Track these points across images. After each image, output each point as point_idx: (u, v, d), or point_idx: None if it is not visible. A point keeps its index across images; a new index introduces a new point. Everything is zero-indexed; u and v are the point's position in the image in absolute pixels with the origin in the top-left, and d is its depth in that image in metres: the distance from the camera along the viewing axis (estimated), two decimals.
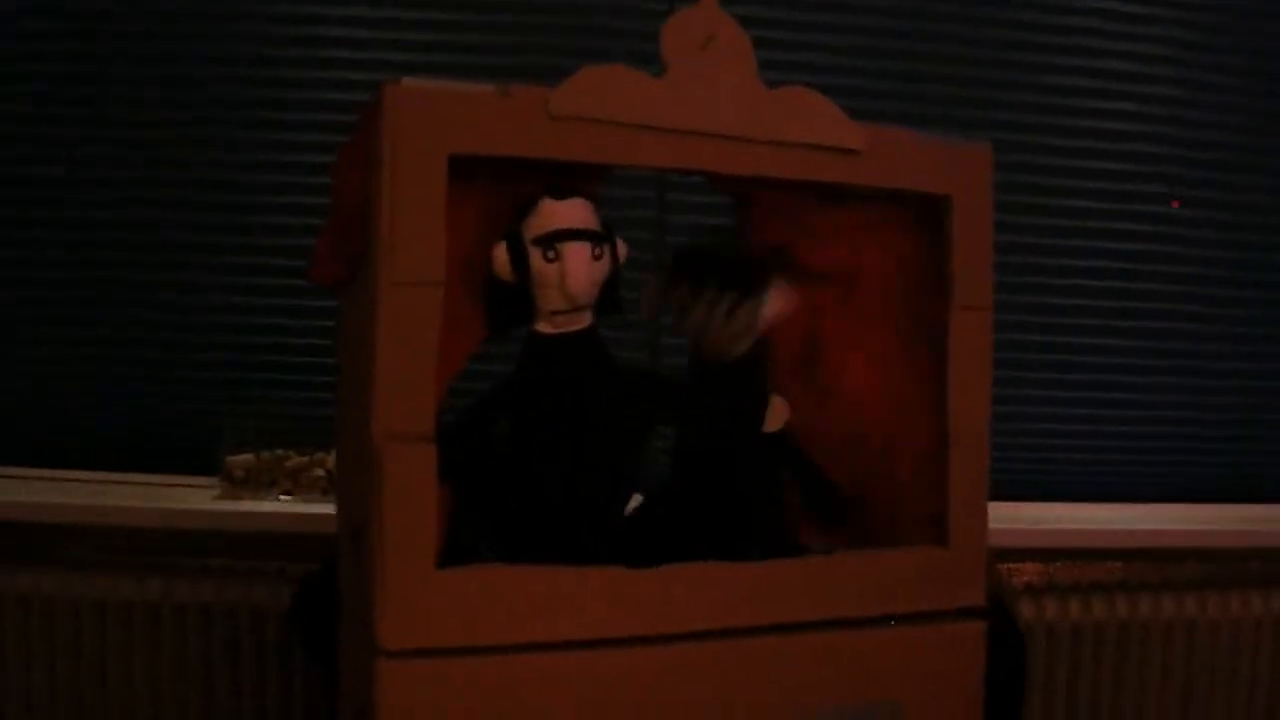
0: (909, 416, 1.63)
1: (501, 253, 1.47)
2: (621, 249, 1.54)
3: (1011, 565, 2.43)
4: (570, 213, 1.49)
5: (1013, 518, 2.46)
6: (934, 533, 1.59)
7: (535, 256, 1.47)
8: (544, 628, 1.39)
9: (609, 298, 1.54)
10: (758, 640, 1.48)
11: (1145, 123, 2.60)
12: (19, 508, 2.28)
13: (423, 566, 1.33)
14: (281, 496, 2.31)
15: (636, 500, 1.62)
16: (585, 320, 1.53)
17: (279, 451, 2.35)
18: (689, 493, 1.62)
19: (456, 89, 1.34)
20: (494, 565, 1.39)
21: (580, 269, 1.49)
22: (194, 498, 2.34)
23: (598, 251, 1.49)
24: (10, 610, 2.25)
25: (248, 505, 2.28)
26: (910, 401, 1.62)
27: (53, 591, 2.23)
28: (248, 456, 2.33)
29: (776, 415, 1.61)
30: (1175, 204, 2.63)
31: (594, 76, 1.39)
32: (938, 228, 1.57)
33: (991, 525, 2.26)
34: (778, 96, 1.47)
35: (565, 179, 1.48)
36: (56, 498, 2.31)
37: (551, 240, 1.47)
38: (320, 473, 2.31)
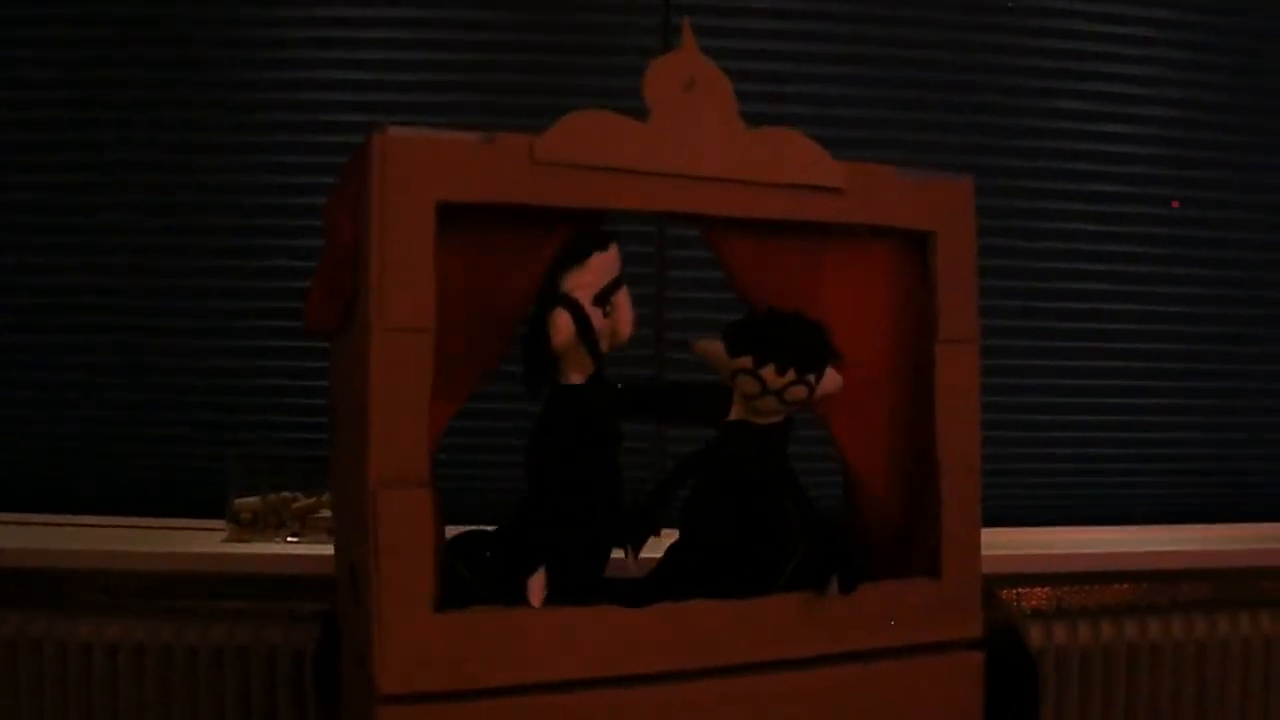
0: (897, 450, 1.64)
1: (566, 321, 1.45)
2: None
3: (1020, 590, 2.43)
4: (615, 262, 1.51)
5: (1020, 543, 2.45)
6: (926, 565, 1.60)
7: (595, 315, 1.48)
8: (542, 668, 1.40)
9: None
10: (752, 678, 1.50)
11: (1139, 144, 2.60)
12: (29, 554, 2.27)
13: (419, 610, 1.35)
14: (289, 539, 2.32)
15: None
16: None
17: (285, 494, 2.36)
18: (703, 538, 1.62)
19: (443, 137, 1.36)
20: (491, 608, 1.41)
21: (630, 316, 1.53)
22: (202, 541, 2.33)
23: None
24: (23, 656, 2.23)
25: (255, 548, 2.29)
26: (899, 435, 1.63)
27: (64, 637, 2.22)
28: (254, 499, 2.34)
29: None
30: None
31: (578, 122, 1.42)
32: (922, 263, 1.59)
33: (998, 551, 2.29)
34: (759, 137, 1.50)
35: (593, 224, 1.50)
36: (66, 544, 2.30)
37: (609, 295, 1.50)
38: (327, 514, 2.31)
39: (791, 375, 1.51)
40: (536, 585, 1.47)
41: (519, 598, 1.47)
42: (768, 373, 1.52)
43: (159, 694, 2.24)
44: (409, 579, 1.34)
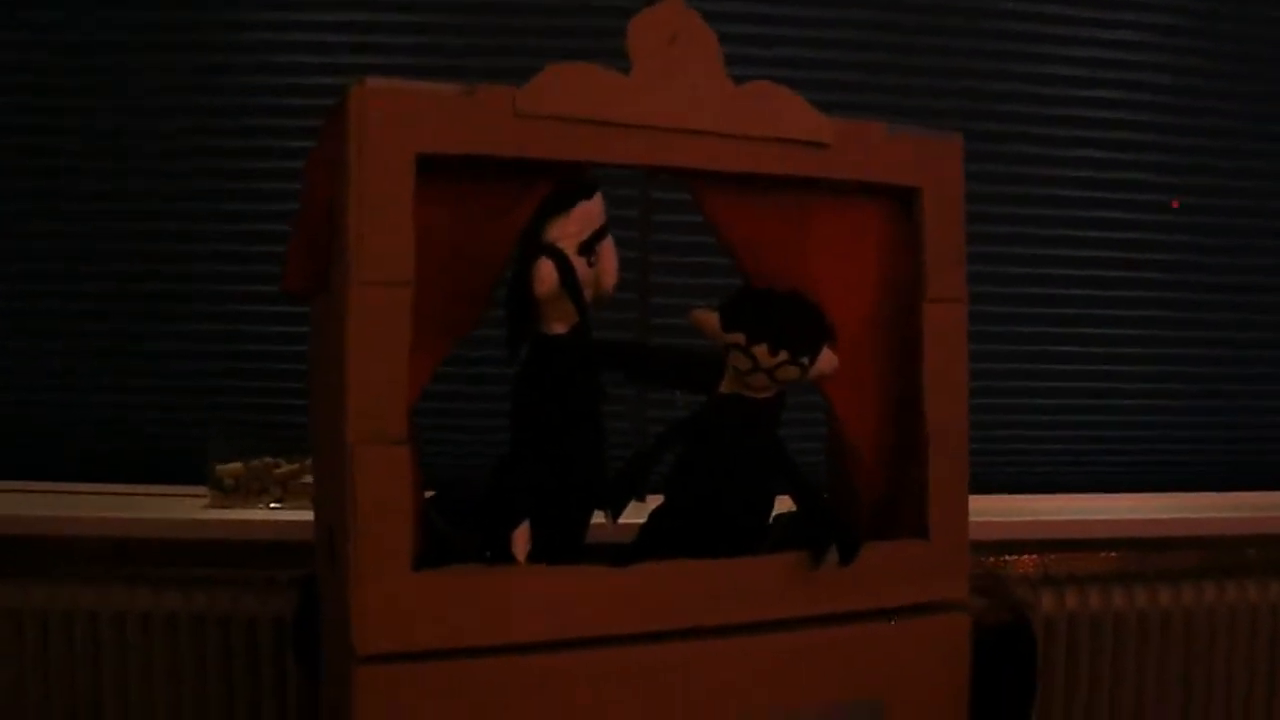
0: (887, 410, 1.62)
1: (549, 270, 1.42)
2: None
3: (1007, 558, 2.42)
4: (600, 211, 1.49)
5: (1007, 510, 2.44)
6: (914, 527, 1.58)
7: (580, 265, 1.46)
8: (522, 628, 1.38)
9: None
10: (736, 639, 1.48)
11: (1135, 110, 2.58)
12: (9, 521, 2.26)
13: (397, 569, 1.33)
14: (271, 505, 2.30)
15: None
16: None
17: (268, 459, 2.34)
18: (688, 508, 1.60)
19: (422, 88, 1.34)
20: (472, 566, 1.39)
21: (615, 266, 1.51)
22: (184, 507, 2.32)
23: None
24: (2, 624, 2.23)
25: (238, 514, 2.27)
26: (888, 395, 1.62)
27: (45, 604, 2.21)
28: (236, 465, 2.32)
29: None
30: (1175, 204, 2.61)
31: (561, 74, 1.39)
32: (910, 222, 1.57)
33: (986, 518, 2.29)
34: (745, 91, 1.47)
35: (578, 173, 1.47)
36: (46, 510, 2.29)
37: (593, 244, 1.47)
38: (309, 480, 2.29)
39: (784, 356, 1.49)
40: (521, 538, 1.45)
41: (502, 554, 1.45)
42: (760, 351, 1.49)
43: (141, 661, 2.23)
44: (387, 537, 1.32)
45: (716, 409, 1.58)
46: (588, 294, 1.48)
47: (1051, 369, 2.62)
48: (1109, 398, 2.64)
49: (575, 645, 1.40)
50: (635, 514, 1.60)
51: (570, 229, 1.45)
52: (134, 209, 2.42)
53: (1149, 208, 2.63)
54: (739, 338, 1.50)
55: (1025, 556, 2.45)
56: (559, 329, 1.50)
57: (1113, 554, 2.48)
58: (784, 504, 1.60)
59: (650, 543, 1.60)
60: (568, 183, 1.46)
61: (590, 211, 1.47)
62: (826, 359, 1.52)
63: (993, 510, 2.42)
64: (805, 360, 1.50)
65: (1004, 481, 2.58)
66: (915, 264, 1.57)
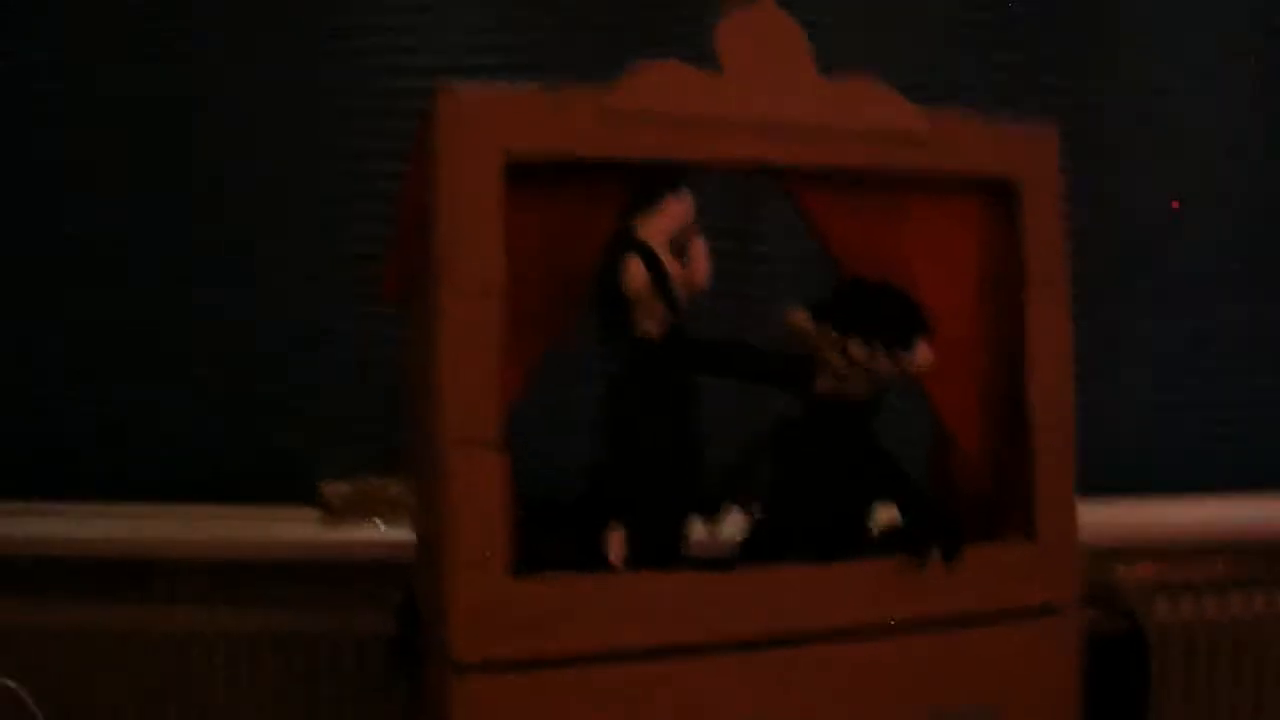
0: (990, 407, 1.59)
1: (639, 267, 1.40)
2: None
3: (1122, 566, 2.36)
4: (689, 207, 1.46)
5: (1119, 516, 2.38)
6: (1020, 527, 1.54)
7: (670, 263, 1.43)
8: (623, 635, 1.36)
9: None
10: (840, 645, 1.44)
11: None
12: (120, 544, 2.27)
13: (494, 574, 1.31)
14: (380, 525, 2.30)
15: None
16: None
17: (375, 479, 2.34)
18: (788, 516, 1.57)
19: (508, 91, 1.33)
20: (570, 573, 1.37)
21: (706, 264, 1.47)
22: (292, 528, 2.32)
23: None
24: (112, 648, 2.24)
25: (346, 534, 2.27)
26: (989, 394, 1.58)
27: (152, 626, 2.24)
28: (344, 485, 2.32)
29: None
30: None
31: (649, 73, 1.38)
32: (1007, 215, 1.55)
33: (1099, 523, 2.22)
34: (838, 86, 1.45)
35: (670, 173, 1.45)
36: (157, 533, 2.31)
37: (683, 241, 1.45)
38: None
39: (879, 349, 1.46)
40: (616, 542, 1.43)
41: (596, 560, 1.43)
42: (853, 346, 1.47)
43: (249, 682, 2.25)
44: (482, 542, 1.31)
45: (811, 411, 1.56)
46: (680, 294, 1.46)
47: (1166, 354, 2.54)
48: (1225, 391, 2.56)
49: (677, 652, 1.37)
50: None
51: (660, 225, 1.43)
52: (229, 215, 2.44)
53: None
54: (830, 333, 1.48)
55: (1140, 564, 2.38)
56: (652, 330, 1.48)
57: (1229, 558, 2.41)
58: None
59: (752, 553, 1.57)
60: (656, 180, 1.44)
61: (679, 209, 1.45)
62: (923, 352, 1.48)
63: (1104, 516, 2.34)
64: (901, 353, 1.47)
65: (1115, 484, 2.51)
66: (1015, 256, 1.54)
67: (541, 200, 1.39)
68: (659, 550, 1.47)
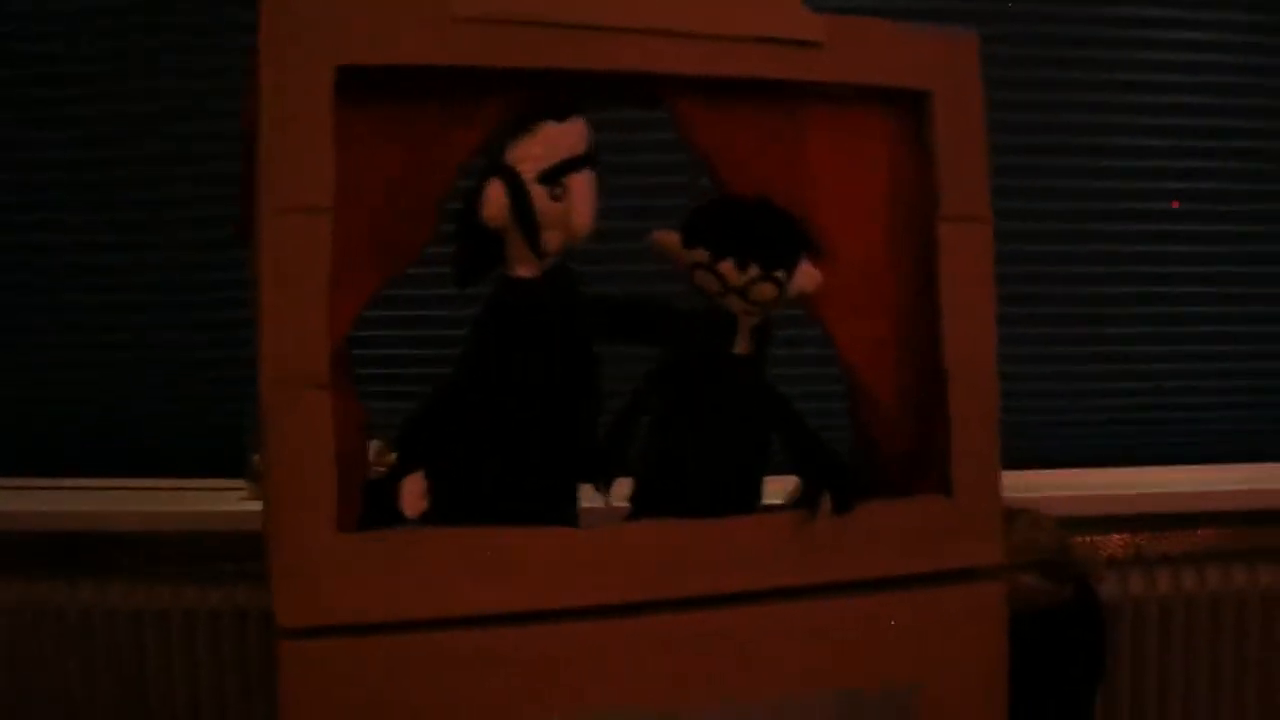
0: (906, 350, 1.42)
1: (499, 194, 1.26)
2: None
3: (1093, 537, 2.21)
4: (574, 138, 1.30)
5: (1091, 485, 2.25)
6: (937, 482, 1.38)
7: (540, 195, 1.28)
8: (476, 599, 1.22)
9: None
10: (732, 610, 1.29)
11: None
12: (51, 518, 2.24)
13: (320, 530, 1.17)
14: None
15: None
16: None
17: None
18: (672, 470, 1.42)
19: None
20: (414, 528, 1.24)
21: (590, 204, 1.30)
22: (221, 501, 2.27)
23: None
24: (47, 622, 2.20)
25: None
26: (907, 333, 1.42)
27: (89, 602, 2.20)
28: None
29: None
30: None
31: None
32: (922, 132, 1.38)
33: (1068, 493, 2.08)
34: None
35: (562, 93, 1.30)
36: (91, 507, 2.28)
37: (559, 174, 1.29)
38: None
39: (755, 271, 1.31)
40: (410, 492, 1.28)
41: (385, 512, 1.28)
42: (726, 268, 1.32)
43: (184, 656, 2.21)
44: (307, 493, 1.16)
45: (694, 359, 1.41)
46: (554, 234, 1.30)
47: (1124, 332, 2.39)
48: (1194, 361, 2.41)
49: (538, 618, 1.23)
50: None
51: (533, 151, 1.28)
52: (161, 196, 2.37)
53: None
54: (702, 254, 1.32)
55: (1112, 535, 2.23)
56: (524, 272, 1.33)
57: (1210, 530, 2.27)
58: None
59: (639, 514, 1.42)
60: (539, 102, 1.29)
61: (560, 135, 1.29)
62: (806, 273, 1.33)
63: (1073, 485, 2.22)
64: (780, 275, 1.32)
65: (1085, 453, 2.36)
66: (928, 178, 1.37)
67: (383, 119, 1.25)
68: (477, 503, 1.31)
